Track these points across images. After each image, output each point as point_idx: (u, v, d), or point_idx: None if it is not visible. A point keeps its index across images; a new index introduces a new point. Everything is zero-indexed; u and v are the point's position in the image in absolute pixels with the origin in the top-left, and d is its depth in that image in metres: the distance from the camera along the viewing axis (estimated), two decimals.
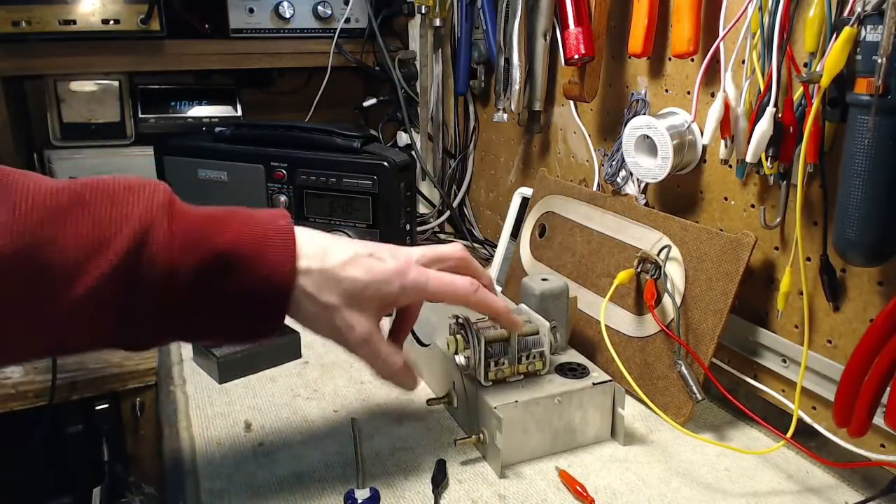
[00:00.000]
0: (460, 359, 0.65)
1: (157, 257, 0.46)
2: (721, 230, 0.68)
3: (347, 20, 1.37)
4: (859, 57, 0.48)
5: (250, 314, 0.50)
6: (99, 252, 0.45)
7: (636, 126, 0.73)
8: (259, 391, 0.74)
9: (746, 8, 0.59)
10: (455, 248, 0.60)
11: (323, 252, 0.53)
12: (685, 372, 0.65)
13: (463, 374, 0.65)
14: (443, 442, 0.65)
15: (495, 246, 1.04)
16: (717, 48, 0.63)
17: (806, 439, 0.61)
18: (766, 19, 0.58)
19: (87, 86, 1.26)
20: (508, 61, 0.91)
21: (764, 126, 0.59)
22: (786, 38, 0.58)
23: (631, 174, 0.81)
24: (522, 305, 0.70)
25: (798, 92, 0.59)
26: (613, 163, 0.84)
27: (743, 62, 0.63)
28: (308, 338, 0.82)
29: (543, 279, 0.71)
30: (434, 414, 0.69)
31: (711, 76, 0.68)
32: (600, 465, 0.62)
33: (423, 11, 1.18)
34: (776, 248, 0.66)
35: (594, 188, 0.89)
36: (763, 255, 0.67)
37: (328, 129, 0.98)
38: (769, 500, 0.58)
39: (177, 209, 0.48)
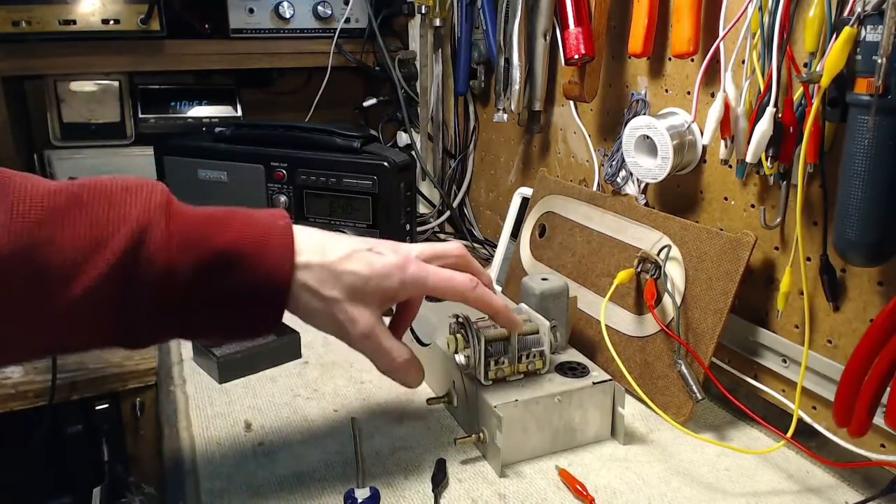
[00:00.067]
0: (460, 358, 0.65)
1: (155, 257, 0.46)
2: (721, 230, 0.69)
3: (347, 20, 1.37)
4: (859, 57, 0.48)
5: (249, 310, 0.51)
6: (96, 252, 0.45)
7: (636, 126, 0.73)
8: (259, 391, 0.74)
9: (746, 8, 0.59)
10: (454, 246, 0.60)
11: (322, 247, 0.53)
12: (685, 371, 0.65)
13: (463, 374, 0.65)
14: (443, 441, 0.65)
15: (495, 246, 1.04)
16: (717, 48, 0.63)
17: (806, 439, 0.61)
18: (766, 19, 0.58)
19: (87, 86, 1.26)
20: (508, 61, 0.91)
21: (764, 126, 0.59)
22: (786, 38, 0.58)
23: (631, 174, 0.81)
24: (522, 305, 0.70)
25: (798, 92, 0.59)
26: (613, 163, 0.84)
27: (743, 62, 0.63)
28: (308, 338, 0.82)
29: (543, 279, 0.71)
30: (434, 413, 0.70)
31: (711, 76, 0.68)
32: (600, 464, 0.62)
33: (423, 11, 1.18)
34: (776, 248, 0.66)
35: (594, 188, 0.89)
36: (763, 255, 0.67)
37: (328, 129, 0.98)
38: (769, 500, 0.58)
39: (174, 209, 0.49)
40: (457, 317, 0.64)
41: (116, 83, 1.28)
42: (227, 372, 0.75)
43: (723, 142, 0.64)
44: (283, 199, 0.96)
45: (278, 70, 1.51)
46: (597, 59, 0.80)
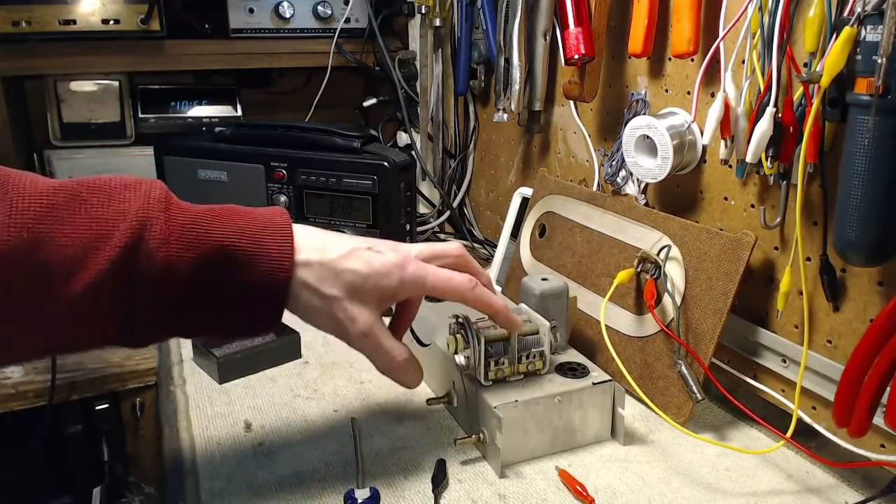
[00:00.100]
0: (460, 358, 0.65)
1: (155, 252, 0.46)
2: (721, 230, 0.69)
3: (347, 20, 1.37)
4: (859, 57, 0.48)
5: (250, 307, 0.51)
6: (96, 248, 0.45)
7: (636, 126, 0.73)
8: (259, 391, 0.74)
9: (746, 8, 0.59)
10: (453, 246, 0.60)
11: (322, 246, 0.53)
12: (685, 372, 0.65)
13: (463, 374, 0.65)
14: (443, 441, 0.65)
15: (495, 246, 1.04)
16: (717, 48, 0.63)
17: (806, 439, 0.61)
18: (766, 19, 0.58)
19: (87, 86, 1.26)
20: (508, 61, 0.91)
21: (764, 126, 0.59)
22: (786, 38, 0.58)
23: (631, 174, 0.81)
24: (522, 305, 0.70)
25: (798, 92, 0.59)
26: (613, 163, 0.84)
27: (743, 62, 0.63)
28: (308, 338, 0.82)
29: (543, 279, 0.71)
30: (434, 413, 0.69)
31: (711, 76, 0.68)
32: (600, 464, 0.62)
33: (423, 11, 1.18)
34: (776, 248, 0.66)
35: (594, 188, 0.89)
36: (763, 255, 0.67)
37: (328, 129, 0.98)
38: (769, 500, 0.58)
39: (174, 205, 0.49)
40: (457, 317, 0.64)
41: (116, 83, 1.28)
42: (227, 372, 0.75)
43: (723, 142, 0.64)
44: (283, 199, 0.96)
45: (278, 70, 1.51)
46: (597, 59, 0.80)
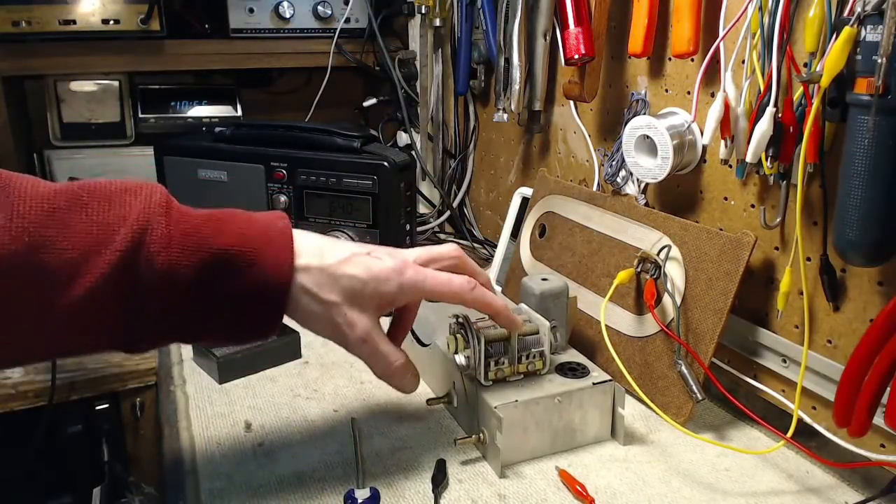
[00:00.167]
0: (460, 358, 0.65)
1: (155, 256, 0.46)
2: (721, 230, 0.69)
3: (347, 20, 1.37)
4: (859, 57, 0.48)
5: (249, 312, 0.51)
6: (97, 253, 0.45)
7: (636, 126, 0.73)
8: (259, 391, 0.74)
9: (746, 8, 0.59)
10: (450, 248, 0.60)
11: (321, 251, 0.53)
12: (685, 372, 0.65)
13: (463, 374, 0.65)
14: (443, 441, 0.65)
15: (495, 246, 1.04)
16: (717, 48, 0.63)
17: (806, 439, 0.61)
18: (766, 19, 0.58)
19: (87, 86, 1.26)
20: (508, 61, 0.91)
21: (764, 126, 0.59)
22: (786, 38, 0.58)
23: (631, 174, 0.81)
24: (522, 305, 0.70)
25: (798, 92, 0.59)
26: (613, 163, 0.84)
27: (743, 62, 0.63)
28: (308, 338, 0.82)
29: (543, 279, 0.71)
30: (434, 414, 0.69)
31: (711, 76, 0.68)
32: (600, 464, 0.62)
33: (423, 11, 1.18)
34: (776, 248, 0.66)
35: (594, 188, 0.89)
36: (763, 255, 0.67)
37: (328, 129, 0.98)
38: (769, 500, 0.58)
39: (174, 210, 0.49)
40: (457, 317, 0.64)
41: (116, 83, 1.28)
42: (227, 372, 0.75)
43: (723, 142, 0.64)
44: (283, 199, 0.96)
45: (278, 70, 1.51)
46: (597, 59, 0.80)
